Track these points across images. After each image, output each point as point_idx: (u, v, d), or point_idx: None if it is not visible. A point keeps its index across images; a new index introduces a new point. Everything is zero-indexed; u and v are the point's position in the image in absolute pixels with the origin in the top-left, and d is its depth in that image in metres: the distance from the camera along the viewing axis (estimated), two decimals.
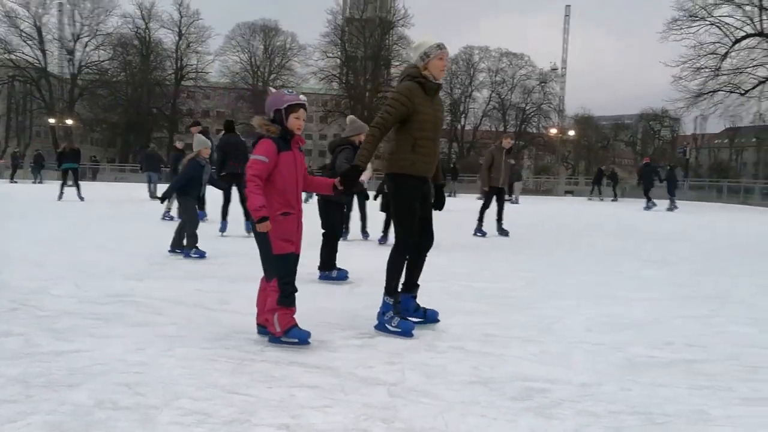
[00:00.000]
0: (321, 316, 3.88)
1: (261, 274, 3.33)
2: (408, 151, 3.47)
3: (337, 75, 54.09)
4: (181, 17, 54.33)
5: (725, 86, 32.19)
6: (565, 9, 59.15)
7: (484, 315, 4.08)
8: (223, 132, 9.63)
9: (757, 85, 31.51)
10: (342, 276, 5.36)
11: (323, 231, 5.54)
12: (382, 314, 3.57)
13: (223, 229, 8.91)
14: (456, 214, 13.27)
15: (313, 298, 4.52)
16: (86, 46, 52.86)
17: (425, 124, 3.48)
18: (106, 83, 52.91)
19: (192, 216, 6.53)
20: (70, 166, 15.67)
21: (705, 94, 32.31)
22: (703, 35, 31.81)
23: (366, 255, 7.08)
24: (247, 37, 56.82)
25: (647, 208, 19.51)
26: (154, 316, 3.79)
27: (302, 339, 3.19)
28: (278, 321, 3.20)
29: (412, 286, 3.76)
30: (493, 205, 9.59)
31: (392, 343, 3.31)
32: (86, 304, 4.03)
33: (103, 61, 53.51)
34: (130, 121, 52.61)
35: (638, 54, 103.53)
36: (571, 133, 55.72)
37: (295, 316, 3.25)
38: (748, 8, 30.97)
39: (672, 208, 19.39)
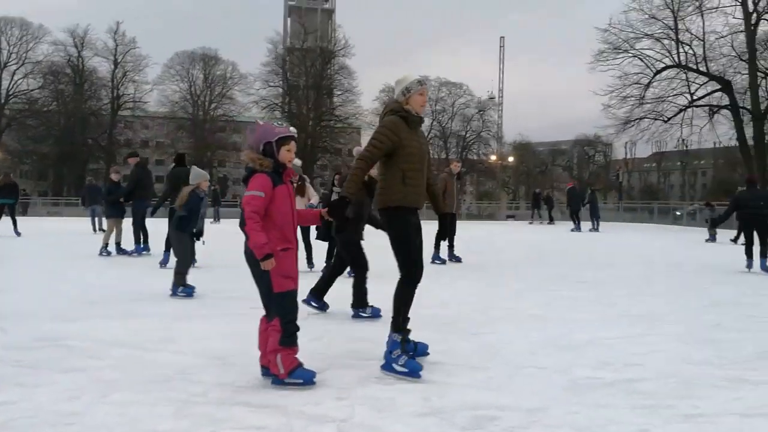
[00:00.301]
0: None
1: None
2: (398, 183, 3.50)
3: (279, 104, 53.95)
4: (117, 45, 53.05)
5: (650, 114, 34.15)
6: (500, 40, 61.63)
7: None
8: (174, 164, 9.86)
9: (678, 113, 33.54)
10: (376, 313, 5.07)
11: (349, 267, 5.49)
12: (389, 353, 3.43)
13: (165, 261, 8.70)
14: None
15: (256, 332, 4.40)
16: (14, 74, 50.78)
17: (412, 156, 3.52)
18: (35, 113, 50.72)
19: (185, 253, 6.30)
20: (5, 201, 15.13)
21: (632, 121, 34.14)
22: (628, 66, 33.77)
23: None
24: (186, 66, 56.02)
25: (574, 230, 20.28)
26: (88, 360, 3.59)
27: (307, 379, 3.06)
28: (281, 362, 3.06)
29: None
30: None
31: (341, 377, 3.26)
32: (13, 350, 3.76)
33: (32, 90, 51.38)
34: (63, 152, 50.50)
35: (571, 81, 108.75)
36: (511, 159, 57.50)
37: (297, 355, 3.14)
38: (666, 42, 33.15)
39: (594, 229, 20.30)
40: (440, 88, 58.96)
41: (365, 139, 60.28)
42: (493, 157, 55.69)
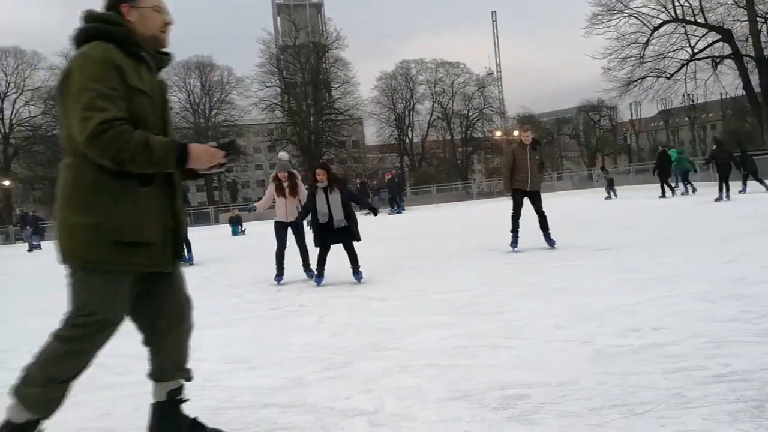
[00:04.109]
0: (286, 351, 3.80)
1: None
2: None
3: (279, 103, 53.96)
4: None
5: (652, 72, 33.72)
6: (491, 15, 61.07)
7: (452, 326, 4.06)
8: None
9: (681, 68, 33.08)
10: None
11: None
12: None
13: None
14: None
15: (280, 332, 4.43)
16: (15, 103, 51.24)
17: None
18: (41, 139, 51.23)
19: None
20: None
21: (634, 81, 33.78)
22: (624, 26, 33.32)
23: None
24: (182, 75, 56.22)
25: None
26: (117, 375, 3.63)
27: None
28: None
29: None
30: (531, 212, 8.09)
31: (366, 370, 3.26)
32: None
33: (34, 117, 51.88)
34: None
35: (567, 48, 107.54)
36: (516, 133, 57.09)
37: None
38: None
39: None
40: (438, 69, 58.68)
41: (368, 129, 60.24)
42: (498, 133, 55.42)
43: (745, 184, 16.59)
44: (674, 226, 9.74)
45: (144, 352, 4.14)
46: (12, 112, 51.34)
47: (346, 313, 4.99)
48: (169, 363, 2.38)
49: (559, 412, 2.39)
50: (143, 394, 3.17)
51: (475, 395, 2.68)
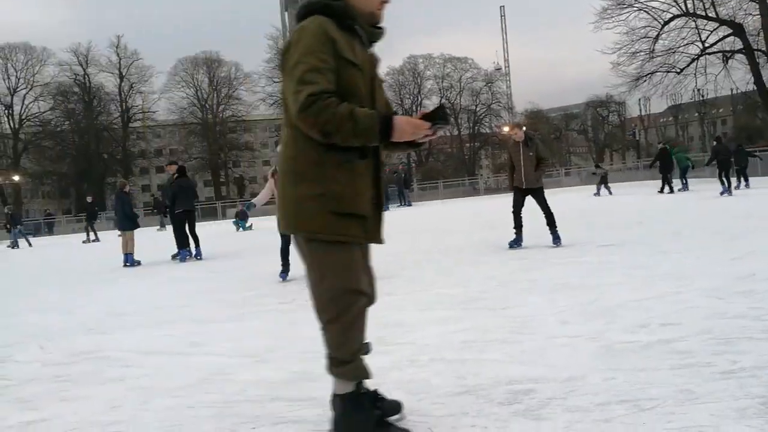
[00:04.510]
0: (294, 345, 3.82)
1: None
2: None
3: None
4: (120, 59, 53.62)
5: (661, 67, 33.51)
6: (500, 10, 60.79)
7: (459, 321, 4.07)
8: (176, 176, 10.68)
9: (691, 63, 32.87)
10: None
11: None
12: None
13: (181, 257, 10.44)
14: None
15: (290, 325, 4.45)
16: (24, 98, 51.60)
17: None
18: (50, 134, 51.62)
19: None
20: None
21: (644, 76, 33.58)
22: (634, 21, 33.11)
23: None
24: (190, 71, 56.36)
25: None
26: (124, 369, 3.66)
27: None
28: None
29: None
30: (535, 209, 7.99)
31: (373, 364, 3.25)
32: (52, 366, 3.86)
33: (44, 112, 52.29)
34: (81, 169, 51.34)
35: (575, 43, 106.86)
36: (524, 128, 56.94)
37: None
38: None
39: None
40: (445, 65, 58.58)
41: None
42: (506, 129, 55.25)
43: (739, 180, 17.64)
44: (680, 222, 9.71)
45: (148, 347, 4.20)
46: (21, 107, 51.75)
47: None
48: None
49: (566, 408, 2.39)
50: (150, 387, 3.20)
51: (482, 390, 2.68)
